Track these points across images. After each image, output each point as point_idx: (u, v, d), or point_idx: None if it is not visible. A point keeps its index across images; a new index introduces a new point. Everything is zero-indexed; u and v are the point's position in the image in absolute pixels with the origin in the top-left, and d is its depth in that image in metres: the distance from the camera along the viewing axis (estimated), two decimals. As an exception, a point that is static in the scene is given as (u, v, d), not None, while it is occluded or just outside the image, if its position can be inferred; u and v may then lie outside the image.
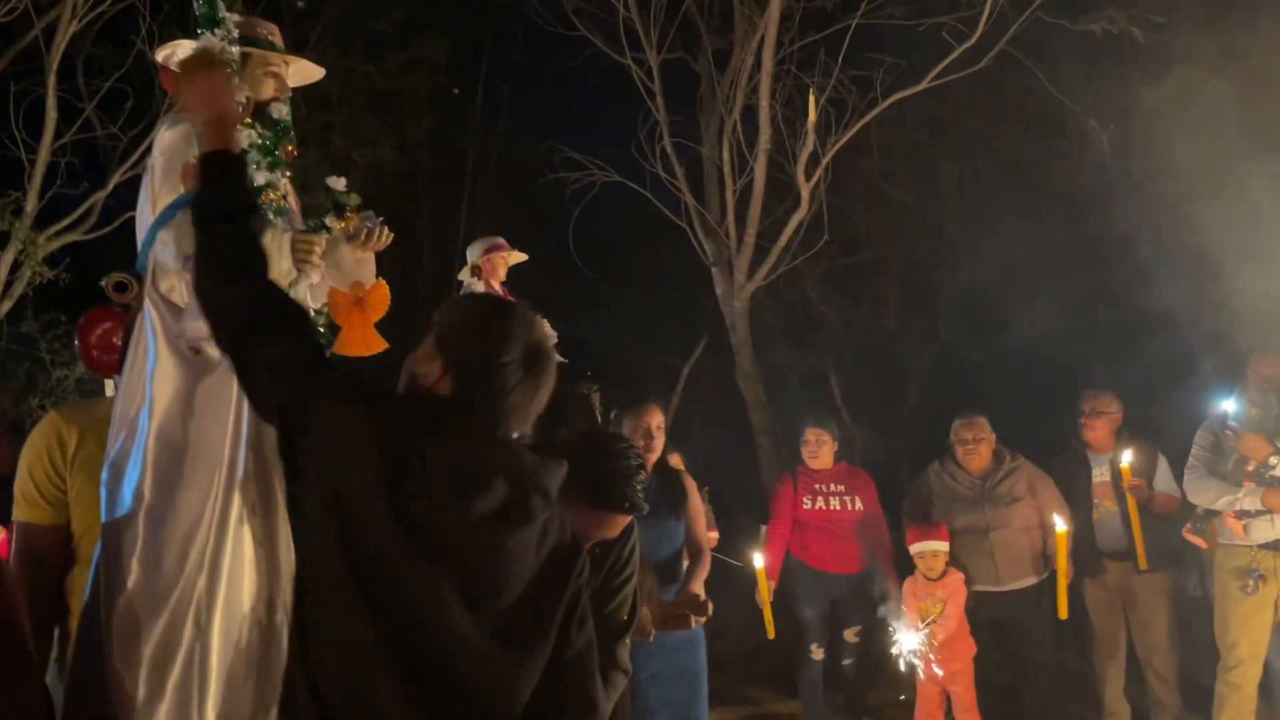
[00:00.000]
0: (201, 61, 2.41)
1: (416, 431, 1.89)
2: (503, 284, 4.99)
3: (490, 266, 4.95)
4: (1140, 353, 7.92)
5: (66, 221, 7.39)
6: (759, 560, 4.87)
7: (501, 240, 5.06)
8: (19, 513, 2.58)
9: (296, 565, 2.21)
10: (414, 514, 1.83)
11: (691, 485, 4.34)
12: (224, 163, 2.20)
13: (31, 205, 7.12)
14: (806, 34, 8.11)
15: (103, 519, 2.35)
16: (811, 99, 7.59)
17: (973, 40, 7.33)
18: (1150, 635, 5.26)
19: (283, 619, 2.37)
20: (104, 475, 2.37)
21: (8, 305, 7.09)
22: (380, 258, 2.88)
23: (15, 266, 7.08)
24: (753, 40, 8.00)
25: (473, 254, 5.01)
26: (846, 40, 7.73)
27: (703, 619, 3.74)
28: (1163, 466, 5.29)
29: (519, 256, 5.09)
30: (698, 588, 4.05)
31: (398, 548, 1.83)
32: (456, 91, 11.12)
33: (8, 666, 1.70)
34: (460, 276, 5.03)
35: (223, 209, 2.13)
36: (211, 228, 2.11)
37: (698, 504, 4.34)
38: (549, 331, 4.72)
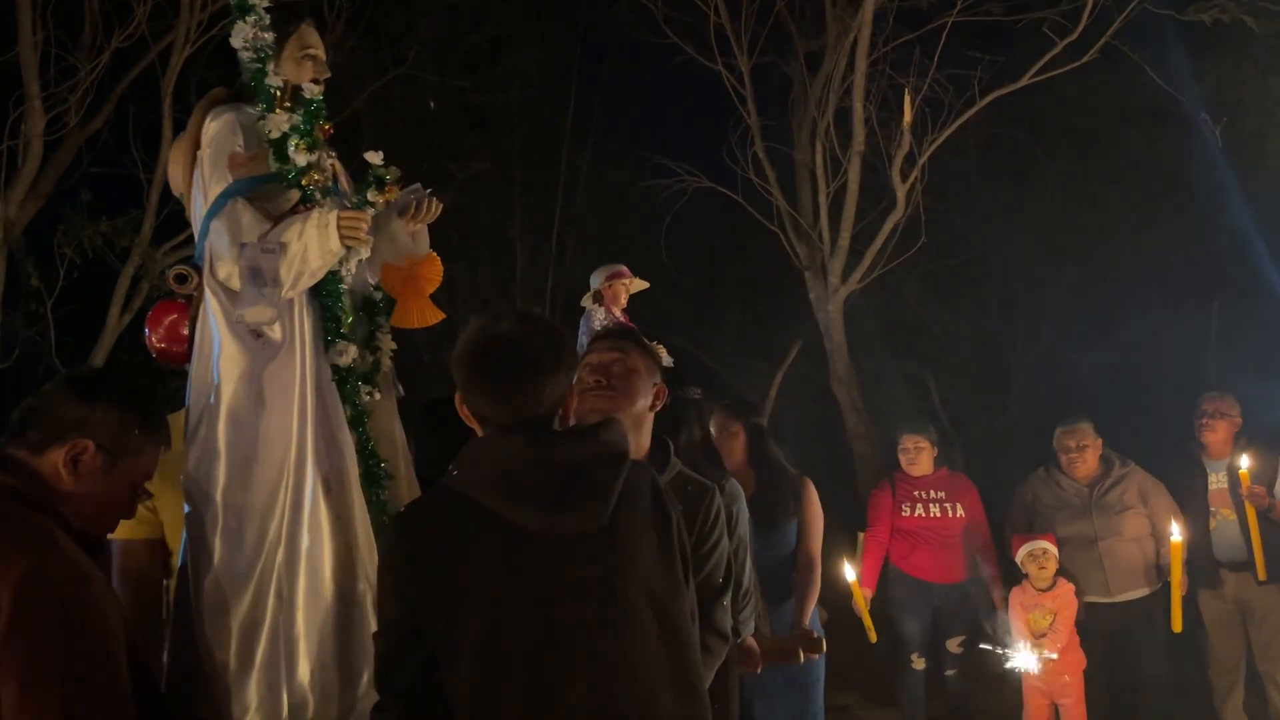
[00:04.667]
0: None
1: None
2: (624, 311, 5.00)
3: (612, 294, 4.97)
4: (1256, 354, 7.56)
5: (180, 238, 7.67)
6: (850, 573, 4.77)
7: (624, 268, 5.07)
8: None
9: None
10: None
11: (811, 491, 4.21)
12: None
13: (149, 222, 7.42)
14: (900, 33, 7.95)
15: (185, 503, 2.43)
16: (907, 99, 7.45)
17: (1075, 34, 7.11)
18: (1272, 649, 5.04)
19: (365, 588, 2.44)
20: (185, 463, 2.44)
21: (128, 319, 7.39)
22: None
23: (134, 281, 7.39)
24: (845, 42, 7.89)
25: (595, 280, 5.03)
26: (943, 38, 7.57)
27: (815, 656, 3.67)
28: (1284, 473, 5.05)
29: (641, 284, 5.10)
30: (808, 619, 3.97)
31: None
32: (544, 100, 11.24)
33: (96, 683, 1.75)
34: (583, 303, 5.06)
35: None
36: None
37: (815, 511, 4.19)
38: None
